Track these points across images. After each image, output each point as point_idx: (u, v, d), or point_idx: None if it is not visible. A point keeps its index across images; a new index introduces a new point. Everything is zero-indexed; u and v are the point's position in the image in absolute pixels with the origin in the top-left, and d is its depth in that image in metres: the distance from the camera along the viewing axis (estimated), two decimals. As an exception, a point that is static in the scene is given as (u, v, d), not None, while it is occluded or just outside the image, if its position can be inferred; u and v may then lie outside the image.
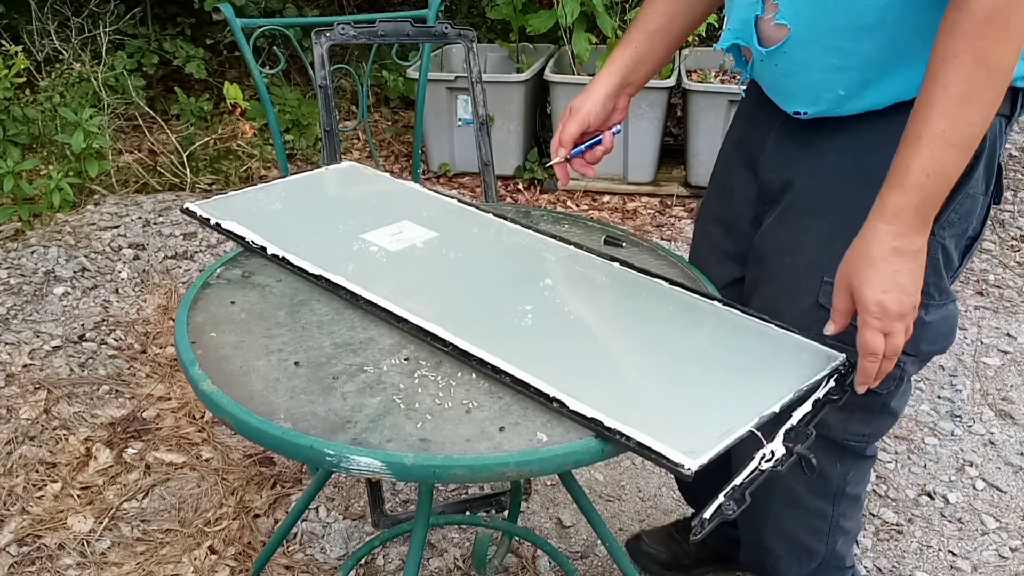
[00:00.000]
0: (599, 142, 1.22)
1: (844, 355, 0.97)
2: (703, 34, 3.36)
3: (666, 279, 1.14)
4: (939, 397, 2.26)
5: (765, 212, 1.20)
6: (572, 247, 1.22)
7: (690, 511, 1.75)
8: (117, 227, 2.84)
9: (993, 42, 0.85)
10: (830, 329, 1.00)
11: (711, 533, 1.73)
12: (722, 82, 3.35)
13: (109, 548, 1.70)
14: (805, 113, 1.09)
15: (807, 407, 0.89)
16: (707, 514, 0.78)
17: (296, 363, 0.95)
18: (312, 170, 1.48)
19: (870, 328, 0.95)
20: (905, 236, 0.93)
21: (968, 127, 0.89)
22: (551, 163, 1.21)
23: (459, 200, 1.37)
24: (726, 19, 1.17)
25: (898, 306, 0.93)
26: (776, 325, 1.03)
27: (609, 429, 0.82)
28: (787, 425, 0.86)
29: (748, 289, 1.25)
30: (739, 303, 1.21)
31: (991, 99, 0.88)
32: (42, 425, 2.00)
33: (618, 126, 1.23)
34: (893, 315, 0.94)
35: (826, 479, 1.24)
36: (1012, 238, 3.14)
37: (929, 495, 1.93)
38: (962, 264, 1.13)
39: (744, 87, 1.29)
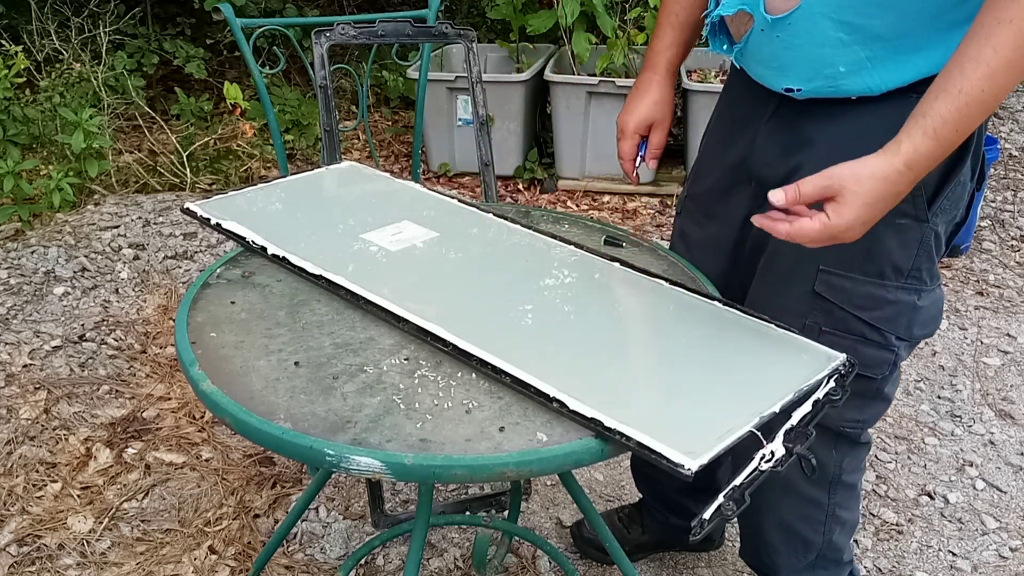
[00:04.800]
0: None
1: (844, 355, 0.97)
2: (703, 34, 3.36)
3: (666, 279, 1.14)
4: (939, 397, 2.26)
5: (761, 207, 1.20)
6: (572, 247, 1.22)
7: (635, 498, 1.76)
8: (117, 227, 2.84)
9: None
10: (774, 195, 0.95)
11: (652, 521, 1.72)
12: (722, 82, 3.35)
13: (109, 548, 1.70)
14: (799, 90, 1.07)
15: (807, 407, 0.89)
16: (707, 515, 0.78)
17: (296, 363, 0.95)
18: (312, 170, 1.48)
19: (813, 224, 0.92)
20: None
21: (1001, 91, 0.88)
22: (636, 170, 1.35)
23: (459, 200, 1.38)
24: None
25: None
26: (776, 325, 1.03)
27: (609, 429, 0.82)
28: (787, 425, 0.86)
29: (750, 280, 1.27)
30: (740, 294, 1.24)
31: None
32: (42, 425, 2.00)
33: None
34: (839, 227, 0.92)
35: (822, 467, 1.25)
36: (1012, 238, 3.14)
37: (929, 495, 1.93)
38: (946, 250, 1.16)
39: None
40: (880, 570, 1.73)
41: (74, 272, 2.58)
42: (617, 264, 1.18)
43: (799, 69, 1.06)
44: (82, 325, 2.36)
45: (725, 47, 1.17)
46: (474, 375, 0.93)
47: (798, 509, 1.30)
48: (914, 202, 1.06)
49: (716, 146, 1.32)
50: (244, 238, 1.20)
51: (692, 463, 0.78)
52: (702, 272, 1.26)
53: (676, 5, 1.29)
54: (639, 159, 1.34)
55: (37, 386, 2.12)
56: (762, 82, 1.14)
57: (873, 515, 1.86)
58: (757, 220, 0.98)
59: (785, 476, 1.24)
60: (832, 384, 0.93)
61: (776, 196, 0.95)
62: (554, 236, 1.25)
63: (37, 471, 1.88)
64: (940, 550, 1.78)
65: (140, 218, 2.90)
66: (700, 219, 1.33)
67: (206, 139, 3.45)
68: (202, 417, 2.07)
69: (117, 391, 2.15)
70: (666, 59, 1.31)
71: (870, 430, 1.28)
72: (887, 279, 1.10)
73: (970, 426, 2.15)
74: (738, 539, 1.73)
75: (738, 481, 0.80)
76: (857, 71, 1.02)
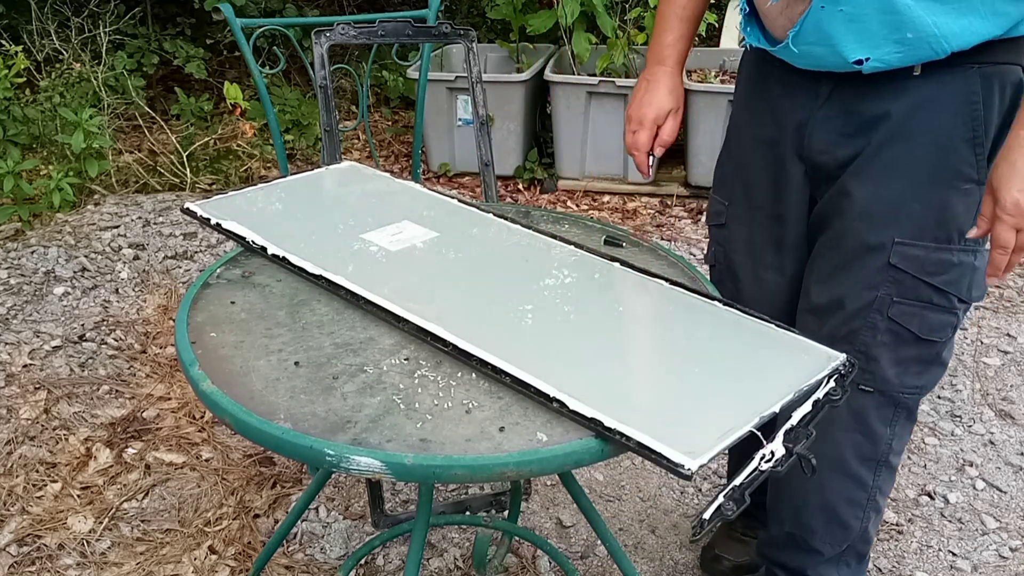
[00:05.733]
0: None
1: (844, 355, 0.97)
2: (703, 34, 3.36)
3: (666, 279, 1.14)
4: (939, 397, 2.26)
5: (822, 190, 1.23)
6: (572, 247, 1.22)
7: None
8: (117, 227, 2.84)
9: None
10: (972, 233, 1.10)
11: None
12: (722, 82, 3.35)
13: (109, 548, 1.70)
14: (867, 60, 1.08)
15: (807, 407, 0.89)
16: (707, 515, 0.78)
17: (296, 363, 0.95)
18: (312, 170, 1.48)
19: (1003, 223, 1.03)
20: None
21: None
22: (649, 167, 1.36)
23: (459, 200, 1.38)
24: None
25: None
26: (776, 325, 1.03)
27: (609, 429, 0.82)
28: (787, 425, 0.86)
29: (809, 264, 1.28)
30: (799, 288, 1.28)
31: None
32: (42, 425, 2.00)
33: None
34: None
35: (875, 442, 1.27)
36: (1012, 238, 3.14)
37: (929, 495, 1.93)
38: None
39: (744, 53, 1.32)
40: (880, 570, 1.73)
41: (74, 272, 2.58)
42: (617, 264, 1.18)
43: (866, 38, 1.06)
44: (82, 325, 2.36)
45: (760, 40, 1.18)
46: (474, 375, 0.93)
47: (844, 489, 1.31)
48: (977, 167, 1.11)
49: (759, 146, 1.30)
50: (244, 238, 1.20)
51: (692, 463, 0.78)
52: (764, 274, 1.30)
53: None
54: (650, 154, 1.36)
55: (37, 386, 2.12)
56: (817, 65, 1.14)
57: (873, 515, 1.86)
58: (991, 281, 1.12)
59: (838, 453, 1.26)
60: (832, 384, 0.93)
61: (971, 233, 1.10)
62: (554, 236, 1.25)
63: (37, 471, 1.88)
64: (940, 550, 1.78)
65: (140, 218, 2.90)
66: (762, 221, 1.33)
67: (206, 139, 3.45)
68: (202, 417, 2.07)
69: (117, 391, 2.15)
70: (676, 51, 1.32)
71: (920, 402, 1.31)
72: (953, 243, 1.14)
73: (970, 426, 2.15)
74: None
75: (738, 481, 0.80)
76: (924, 35, 1.04)
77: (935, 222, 1.13)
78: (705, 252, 1.52)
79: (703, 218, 1.60)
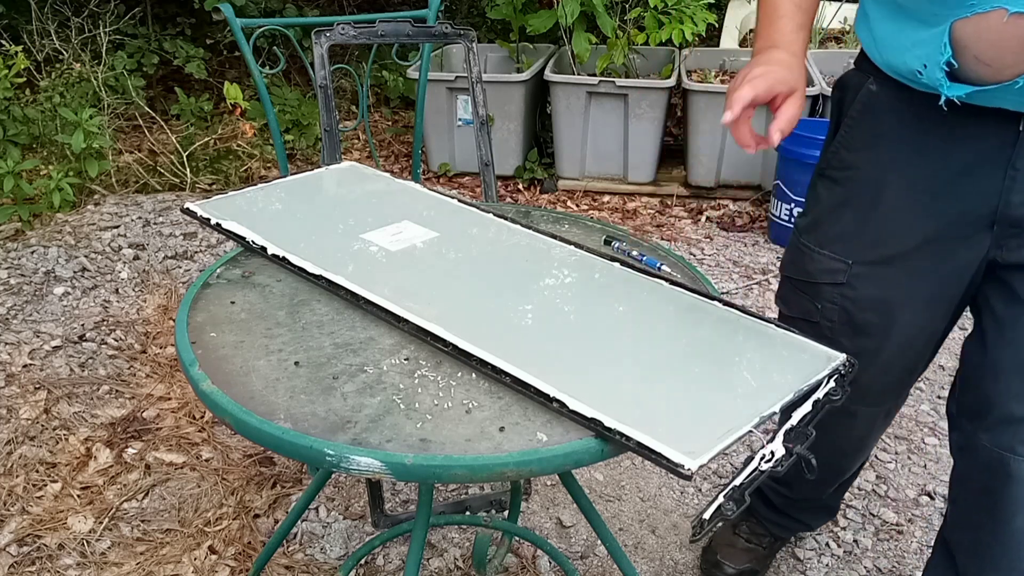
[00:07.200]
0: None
1: (844, 355, 0.97)
2: (703, 34, 3.35)
3: (666, 279, 1.14)
4: (939, 397, 2.26)
5: (1006, 247, 1.17)
6: (572, 247, 1.22)
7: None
8: (117, 227, 2.84)
9: None
10: None
11: (776, 526, 1.65)
12: (722, 82, 3.35)
13: (109, 548, 1.70)
14: None
15: (807, 407, 0.89)
16: (707, 515, 0.78)
17: (296, 363, 0.95)
18: (312, 170, 1.48)
19: None
20: None
21: None
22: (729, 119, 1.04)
23: (459, 200, 1.38)
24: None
25: None
26: (776, 325, 1.03)
27: (609, 429, 0.82)
28: (787, 425, 0.86)
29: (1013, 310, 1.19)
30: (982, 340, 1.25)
31: None
32: (42, 425, 2.00)
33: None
34: None
35: None
36: (1012, 238, 3.14)
37: (929, 495, 1.93)
38: None
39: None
40: (880, 570, 1.73)
41: (74, 272, 2.58)
42: (617, 264, 1.18)
43: None
44: (82, 325, 2.36)
45: (969, 90, 1.06)
46: (474, 375, 0.93)
47: None
48: None
49: (915, 198, 1.20)
50: (244, 238, 1.20)
51: (692, 463, 0.78)
52: (905, 330, 1.29)
53: None
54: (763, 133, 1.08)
55: (37, 386, 2.12)
56: None
57: (873, 515, 1.86)
58: None
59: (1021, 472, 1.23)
60: (832, 384, 0.93)
61: None
62: (554, 236, 1.25)
63: (37, 471, 1.88)
64: (940, 550, 1.78)
65: (140, 218, 2.90)
66: (902, 279, 1.25)
67: (206, 139, 3.45)
68: (202, 417, 2.07)
69: (117, 391, 2.15)
70: (800, 39, 1.12)
71: None
72: None
73: (970, 426, 2.15)
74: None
75: (738, 481, 0.80)
76: None
77: None
78: (780, 295, 1.42)
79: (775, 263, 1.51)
